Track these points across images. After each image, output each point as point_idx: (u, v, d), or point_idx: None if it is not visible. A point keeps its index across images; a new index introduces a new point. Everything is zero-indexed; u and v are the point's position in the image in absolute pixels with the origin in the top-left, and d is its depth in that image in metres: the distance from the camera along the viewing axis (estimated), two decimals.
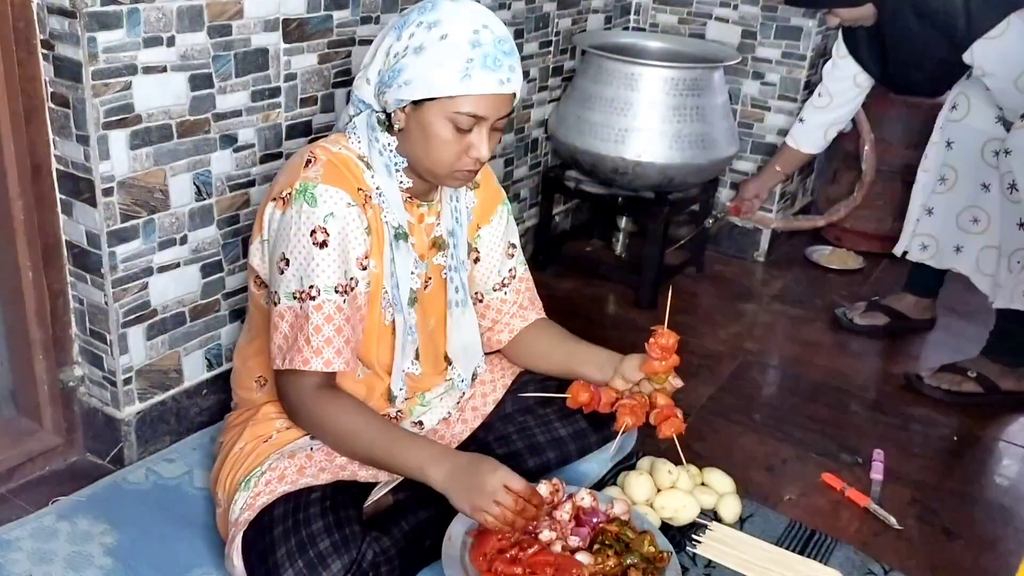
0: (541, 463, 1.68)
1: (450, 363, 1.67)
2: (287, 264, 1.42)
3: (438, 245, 1.60)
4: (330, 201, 1.41)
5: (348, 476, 1.52)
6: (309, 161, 1.45)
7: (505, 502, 1.36)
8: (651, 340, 1.59)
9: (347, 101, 1.59)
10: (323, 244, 1.40)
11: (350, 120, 1.52)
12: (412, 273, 1.54)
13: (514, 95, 1.44)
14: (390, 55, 1.43)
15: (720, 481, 1.84)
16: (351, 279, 1.45)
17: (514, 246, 1.76)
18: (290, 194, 1.42)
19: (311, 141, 2.02)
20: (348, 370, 1.47)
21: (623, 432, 1.64)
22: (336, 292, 1.42)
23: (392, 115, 1.46)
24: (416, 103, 1.41)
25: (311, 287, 1.41)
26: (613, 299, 2.86)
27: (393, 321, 1.54)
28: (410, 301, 1.55)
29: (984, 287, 2.47)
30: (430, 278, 1.60)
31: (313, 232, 1.40)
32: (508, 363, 1.80)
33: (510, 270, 1.75)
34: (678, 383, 1.64)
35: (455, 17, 1.39)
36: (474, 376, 1.73)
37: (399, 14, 1.61)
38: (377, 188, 1.48)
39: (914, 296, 2.73)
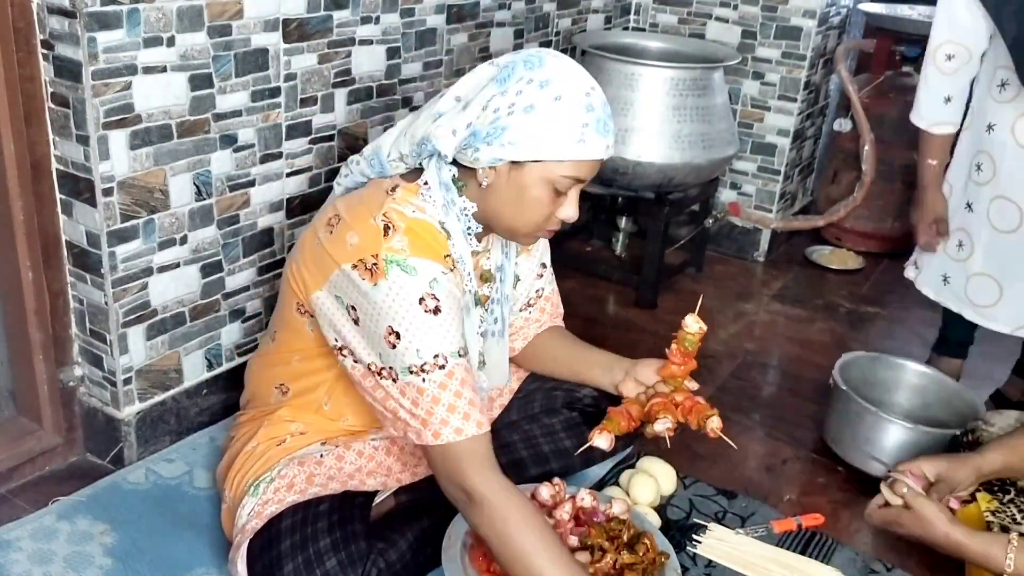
0: (544, 473, 1.66)
1: None
2: (398, 338, 1.33)
3: (484, 278, 1.58)
4: (428, 271, 1.35)
5: (356, 485, 1.52)
6: (388, 228, 1.36)
7: None
8: (673, 346, 1.58)
9: (397, 134, 1.46)
10: (436, 311, 1.34)
11: (407, 166, 1.45)
12: (476, 334, 1.53)
13: None
14: (489, 109, 1.35)
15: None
16: (466, 340, 1.41)
17: (544, 266, 1.74)
18: (376, 265, 1.34)
19: (311, 142, 2.02)
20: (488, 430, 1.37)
21: (668, 435, 1.57)
22: (460, 356, 1.36)
23: (479, 171, 1.39)
24: (515, 162, 1.37)
25: (436, 356, 1.33)
26: (613, 299, 2.86)
27: None
28: (480, 364, 1.55)
29: None
30: None
31: (422, 300, 1.33)
32: (514, 367, 1.80)
33: (537, 291, 1.74)
34: (693, 386, 1.62)
35: (567, 77, 1.35)
36: None
37: (494, 64, 1.41)
38: (459, 256, 1.43)
39: None
